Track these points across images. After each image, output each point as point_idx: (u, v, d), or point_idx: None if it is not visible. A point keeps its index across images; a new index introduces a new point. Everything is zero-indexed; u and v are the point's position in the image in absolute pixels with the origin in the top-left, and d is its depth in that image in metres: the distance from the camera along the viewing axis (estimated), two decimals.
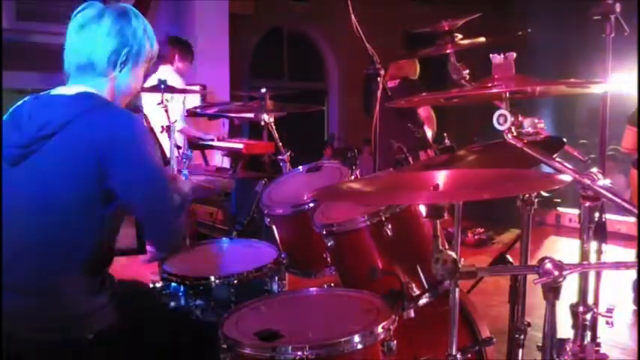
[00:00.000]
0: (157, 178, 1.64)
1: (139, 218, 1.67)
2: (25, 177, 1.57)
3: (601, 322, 1.43)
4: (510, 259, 2.04)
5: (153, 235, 1.75)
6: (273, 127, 2.89)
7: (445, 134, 2.09)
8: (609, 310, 1.36)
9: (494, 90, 1.35)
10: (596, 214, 1.37)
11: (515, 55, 1.38)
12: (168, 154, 3.70)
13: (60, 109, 1.56)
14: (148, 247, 4.28)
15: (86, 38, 1.63)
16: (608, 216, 1.92)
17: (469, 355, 1.84)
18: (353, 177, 2.18)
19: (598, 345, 1.39)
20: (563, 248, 5.52)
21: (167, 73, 4.66)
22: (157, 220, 1.67)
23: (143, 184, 1.60)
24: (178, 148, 3.68)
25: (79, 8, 1.66)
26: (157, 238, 1.76)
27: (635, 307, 3.70)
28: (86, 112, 1.56)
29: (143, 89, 4.14)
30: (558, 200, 6.41)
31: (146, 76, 4.58)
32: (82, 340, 1.56)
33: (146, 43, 1.70)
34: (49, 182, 1.55)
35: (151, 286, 2.05)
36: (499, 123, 1.30)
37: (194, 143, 4.99)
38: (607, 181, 1.27)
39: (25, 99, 1.66)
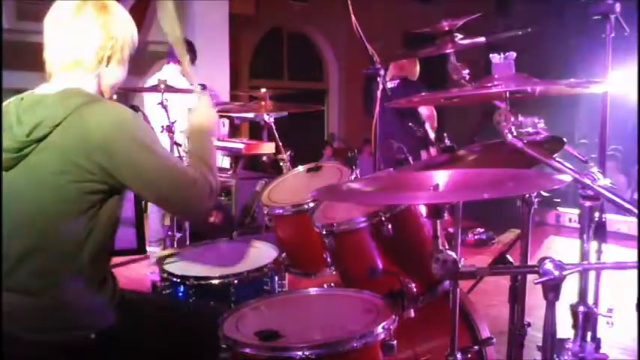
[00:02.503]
0: (164, 159, 1.59)
1: (156, 203, 1.63)
2: (21, 180, 1.54)
3: (601, 322, 1.43)
4: (510, 259, 2.04)
5: (176, 213, 1.67)
6: (273, 127, 2.89)
7: (445, 134, 2.09)
8: (609, 310, 1.36)
9: (494, 90, 1.36)
10: (596, 214, 1.38)
11: (515, 54, 1.39)
12: None
13: (50, 110, 1.52)
14: (148, 248, 4.28)
15: (70, 35, 1.58)
16: (608, 216, 1.92)
17: (469, 355, 1.83)
18: (353, 177, 2.18)
19: (598, 345, 1.39)
20: (563, 248, 5.52)
21: (174, 73, 4.67)
22: (175, 200, 1.62)
23: (151, 170, 1.56)
24: (178, 145, 3.69)
25: (54, 5, 1.60)
26: (179, 215, 1.67)
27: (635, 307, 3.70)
28: (78, 110, 1.52)
29: (143, 89, 4.15)
30: (558, 200, 6.41)
31: (149, 75, 4.52)
32: (84, 340, 1.55)
33: (130, 34, 1.66)
34: (47, 183, 1.53)
35: (152, 286, 2.05)
36: (499, 123, 1.30)
37: None
38: (607, 181, 1.27)
39: (11, 99, 1.61)
